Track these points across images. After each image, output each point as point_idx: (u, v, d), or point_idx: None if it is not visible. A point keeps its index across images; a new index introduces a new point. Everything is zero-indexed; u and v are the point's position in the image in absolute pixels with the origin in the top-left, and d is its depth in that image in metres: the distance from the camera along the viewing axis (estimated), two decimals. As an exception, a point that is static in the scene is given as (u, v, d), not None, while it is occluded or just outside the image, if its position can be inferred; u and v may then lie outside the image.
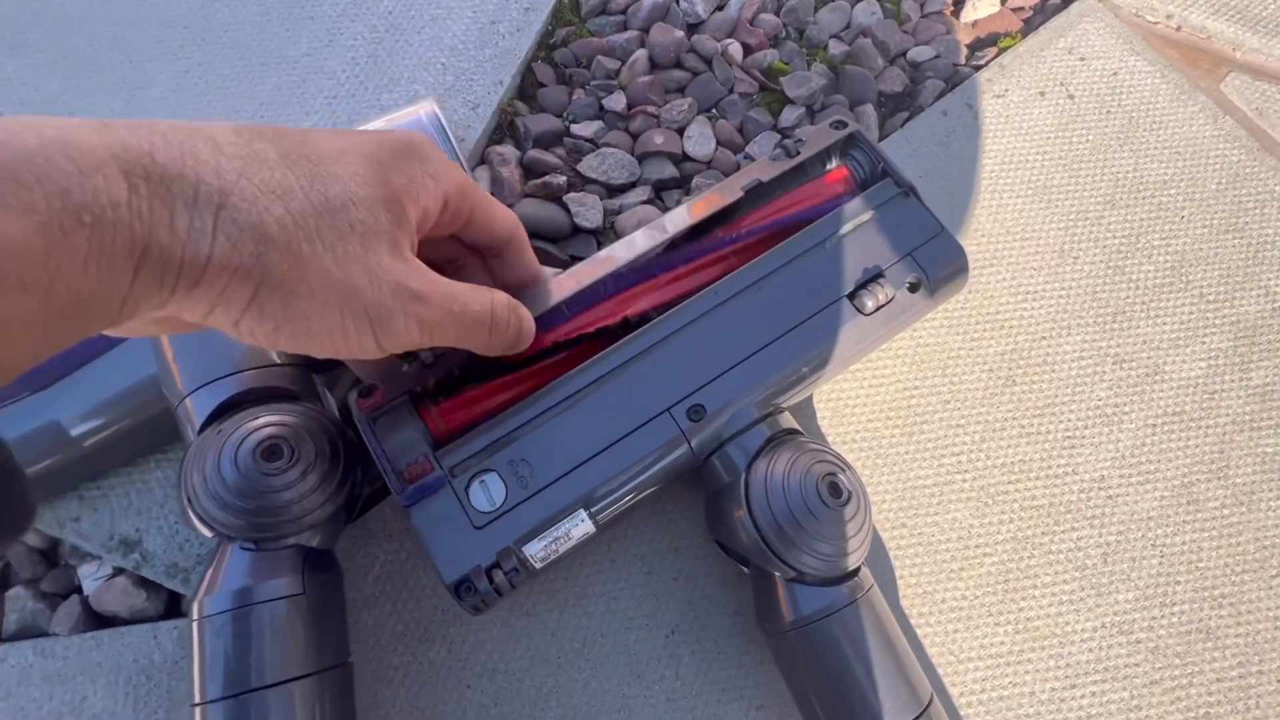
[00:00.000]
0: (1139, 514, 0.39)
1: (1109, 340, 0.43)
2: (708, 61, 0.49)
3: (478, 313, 0.25)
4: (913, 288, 0.34)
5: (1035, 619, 0.37)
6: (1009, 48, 0.50)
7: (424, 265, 0.23)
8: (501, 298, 0.26)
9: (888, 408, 0.40)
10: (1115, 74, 0.49)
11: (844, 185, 0.37)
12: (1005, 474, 0.39)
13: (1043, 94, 0.48)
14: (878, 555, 0.38)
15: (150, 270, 0.17)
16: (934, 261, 0.34)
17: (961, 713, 0.35)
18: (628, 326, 0.33)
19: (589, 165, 0.45)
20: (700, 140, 0.46)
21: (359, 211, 0.21)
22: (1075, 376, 0.42)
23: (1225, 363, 0.42)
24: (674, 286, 0.34)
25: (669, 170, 0.45)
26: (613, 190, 0.45)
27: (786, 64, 0.49)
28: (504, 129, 0.47)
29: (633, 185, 0.45)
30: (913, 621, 0.37)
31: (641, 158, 0.46)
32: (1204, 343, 0.43)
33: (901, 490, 0.39)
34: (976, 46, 0.51)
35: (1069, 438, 0.40)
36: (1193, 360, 0.42)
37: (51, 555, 0.37)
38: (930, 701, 0.29)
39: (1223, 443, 0.41)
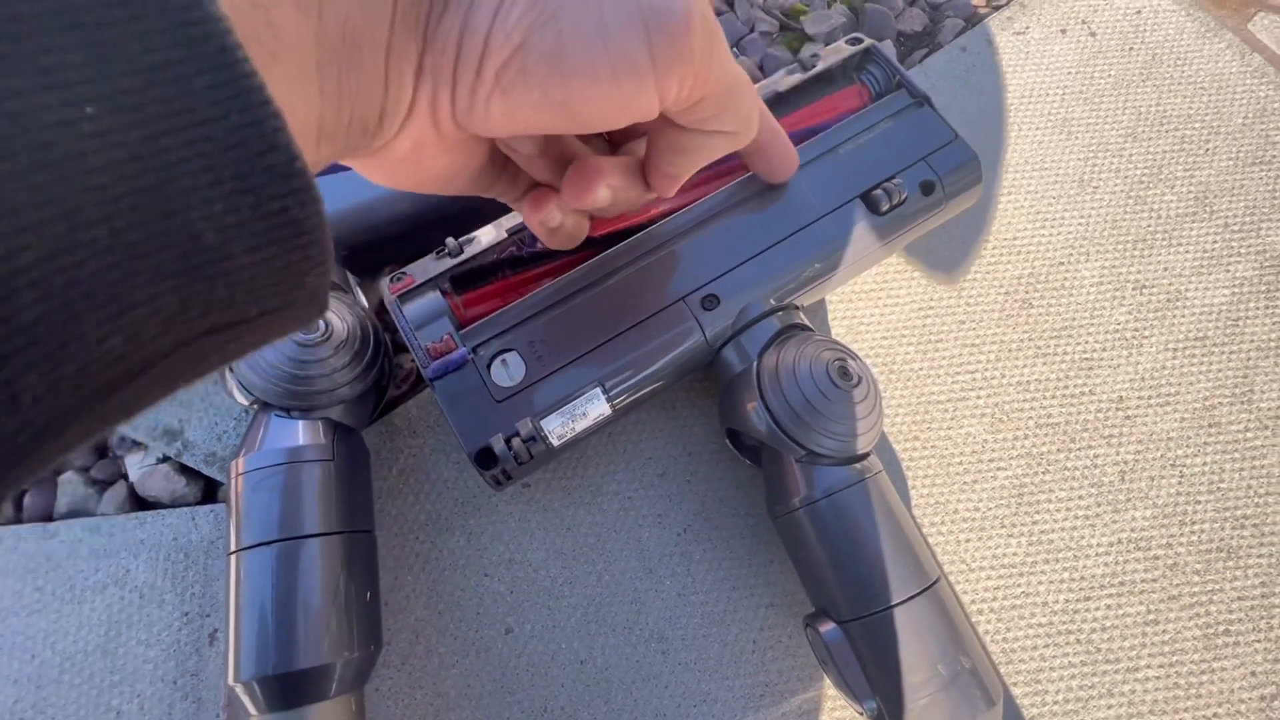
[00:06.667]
0: (1158, 434, 0.39)
1: (1129, 267, 0.42)
2: (730, 2, 0.50)
3: (743, 73, 0.20)
4: (925, 190, 0.34)
5: (1049, 532, 0.37)
6: (1030, -11, 0.50)
7: None
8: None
9: (902, 326, 0.41)
10: (1139, 12, 0.49)
11: (860, 99, 0.37)
12: (1020, 392, 0.40)
13: (1064, 31, 0.48)
14: (890, 467, 0.38)
15: (408, 6, 0.15)
16: (947, 166, 0.34)
17: (972, 619, 0.36)
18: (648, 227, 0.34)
19: (612, 97, 0.46)
20: (721, 75, 0.47)
21: None
22: (1094, 301, 0.42)
23: (1251, 290, 0.42)
24: (693, 191, 0.35)
25: (690, 103, 0.46)
26: (635, 121, 0.46)
27: (806, 5, 0.50)
28: (531, 65, 0.48)
29: (654, 117, 0.46)
30: (925, 531, 0.37)
31: (663, 91, 0.47)
32: (1228, 271, 0.42)
33: (915, 404, 0.39)
34: (997, -11, 0.51)
35: (1086, 359, 0.40)
36: (1216, 288, 0.42)
37: (101, 445, 0.39)
38: (936, 581, 0.29)
39: (1247, 368, 0.40)
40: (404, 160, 0.18)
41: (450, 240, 0.33)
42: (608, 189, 0.22)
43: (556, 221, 0.24)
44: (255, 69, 0.10)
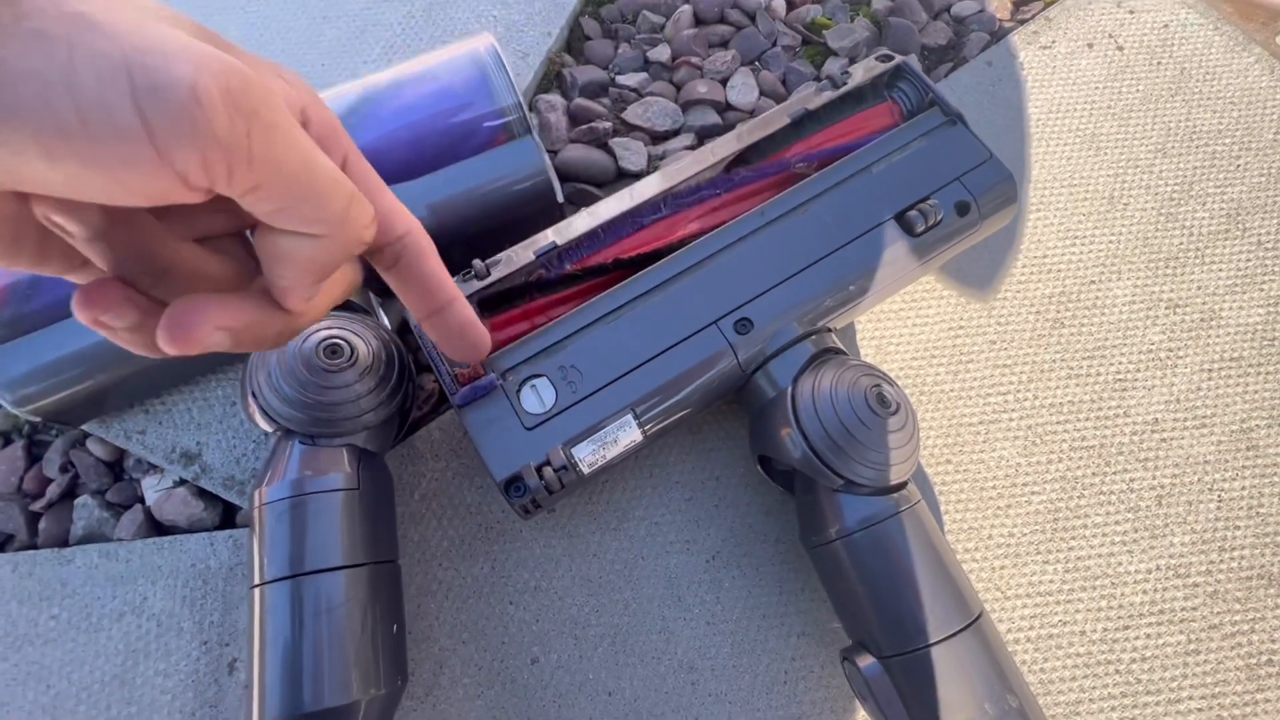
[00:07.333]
0: (1195, 458, 0.38)
1: (1161, 285, 0.42)
2: (751, 16, 0.49)
3: (326, 162, 0.16)
4: (961, 210, 0.33)
5: (1086, 559, 0.36)
6: (1055, 1, 0.50)
7: None
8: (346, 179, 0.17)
9: (932, 346, 0.40)
10: (1166, 26, 0.48)
11: (891, 117, 0.37)
12: (1053, 414, 0.39)
13: (1090, 46, 0.48)
14: (922, 491, 0.37)
15: None
16: (982, 185, 0.34)
17: (1009, 650, 0.35)
18: (676, 250, 0.34)
19: (634, 113, 0.46)
20: (743, 90, 0.46)
21: None
22: (1126, 320, 0.41)
23: (1286, 310, 0.41)
24: (724, 212, 0.35)
25: (712, 118, 0.46)
26: (656, 137, 0.46)
27: (829, 19, 0.49)
28: (552, 79, 0.48)
29: (676, 132, 0.46)
30: (958, 557, 0.36)
31: (685, 106, 0.46)
32: (1263, 289, 0.42)
33: (947, 427, 0.38)
34: (1022, 2, 0.51)
35: (1120, 380, 0.40)
36: (1251, 306, 0.41)
37: (117, 468, 0.39)
38: (979, 616, 0.28)
39: (1284, 389, 0.39)
40: None
41: (477, 262, 0.32)
42: (222, 332, 0.17)
43: (125, 323, 0.17)
44: None
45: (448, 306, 0.22)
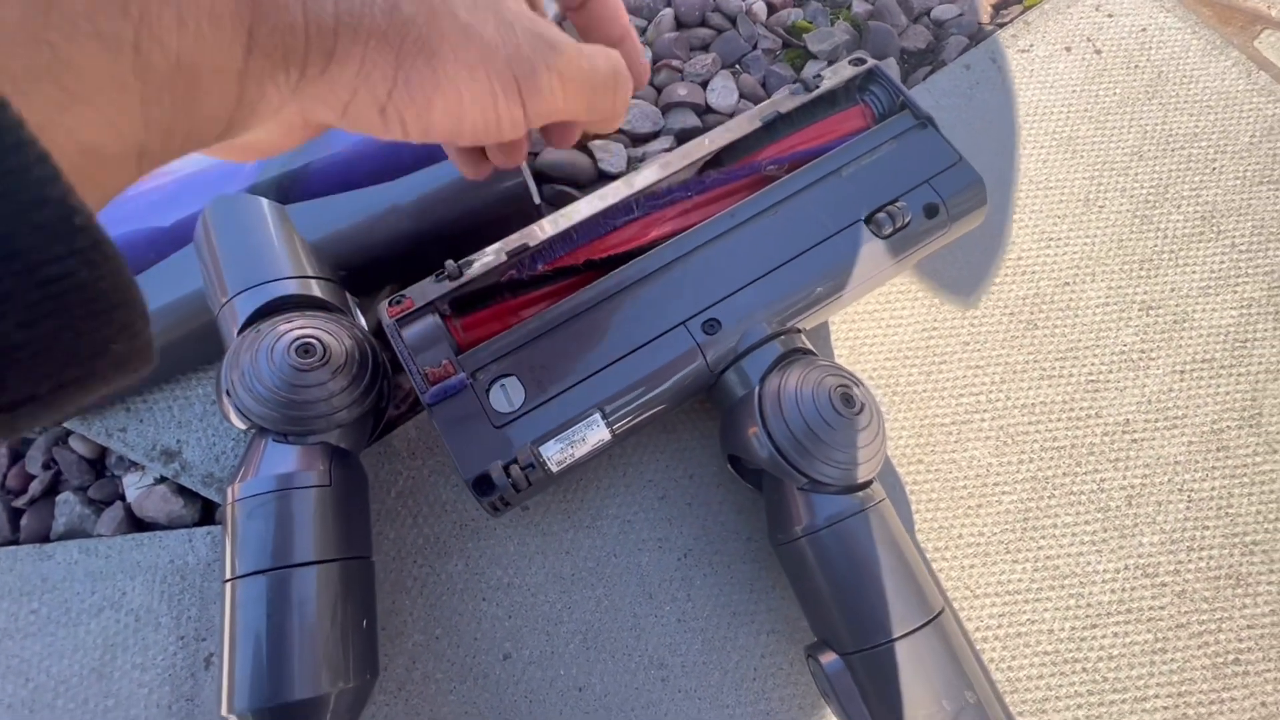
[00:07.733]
0: (1165, 458, 0.38)
1: (1135, 287, 0.42)
2: (732, 20, 0.50)
3: (605, 71, 0.21)
4: (929, 212, 0.34)
5: (1055, 558, 0.37)
6: (1034, 5, 0.50)
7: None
8: (615, 53, 0.22)
9: (906, 348, 0.40)
10: (1144, 30, 0.49)
11: (863, 120, 0.37)
12: (1025, 415, 0.39)
13: (1068, 49, 0.48)
14: (893, 490, 0.37)
15: (268, 37, 0.14)
16: (951, 188, 0.34)
17: (977, 647, 0.35)
18: (648, 251, 0.34)
19: (614, 115, 0.46)
20: (723, 93, 0.47)
21: None
22: (1099, 322, 0.41)
23: (1258, 312, 0.41)
24: (695, 214, 0.35)
25: (691, 120, 0.46)
26: (636, 139, 0.46)
27: (809, 22, 0.50)
28: (533, 82, 0.48)
29: (656, 135, 0.46)
30: (928, 556, 0.37)
31: (665, 109, 0.47)
32: (1236, 291, 0.42)
33: (919, 428, 0.39)
34: (1001, 6, 0.51)
35: (1092, 381, 0.40)
36: (1224, 309, 0.41)
37: (99, 465, 0.39)
38: (940, 612, 0.29)
39: (1255, 390, 0.40)
40: (264, 144, 0.19)
41: (450, 263, 0.32)
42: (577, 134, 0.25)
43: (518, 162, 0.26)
44: (9, 105, 0.09)
45: (621, 41, 0.26)
